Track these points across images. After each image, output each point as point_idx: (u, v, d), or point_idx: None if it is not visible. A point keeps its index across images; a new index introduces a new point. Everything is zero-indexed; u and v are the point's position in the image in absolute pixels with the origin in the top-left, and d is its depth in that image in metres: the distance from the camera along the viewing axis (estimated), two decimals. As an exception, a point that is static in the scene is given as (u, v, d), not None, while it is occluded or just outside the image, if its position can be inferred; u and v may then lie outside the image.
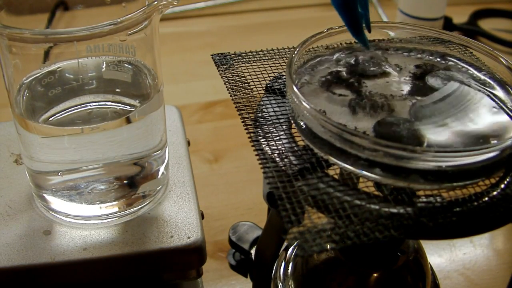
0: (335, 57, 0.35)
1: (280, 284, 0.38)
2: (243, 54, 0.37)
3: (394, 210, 0.26)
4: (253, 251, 0.43)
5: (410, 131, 0.29)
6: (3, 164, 0.42)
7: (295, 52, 0.32)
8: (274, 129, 0.31)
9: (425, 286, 0.35)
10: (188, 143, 0.45)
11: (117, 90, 0.37)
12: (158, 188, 0.39)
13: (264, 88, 0.34)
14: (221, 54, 0.37)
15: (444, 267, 0.51)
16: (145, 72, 0.38)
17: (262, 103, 0.33)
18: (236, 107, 0.32)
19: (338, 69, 0.34)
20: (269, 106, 0.32)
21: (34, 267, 0.34)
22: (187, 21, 0.92)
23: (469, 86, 0.33)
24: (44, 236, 0.36)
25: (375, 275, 0.34)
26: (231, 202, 0.57)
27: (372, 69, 0.34)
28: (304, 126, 0.29)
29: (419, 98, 0.31)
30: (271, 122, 0.31)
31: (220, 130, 0.67)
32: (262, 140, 0.30)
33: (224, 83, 0.34)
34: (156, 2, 0.33)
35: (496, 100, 0.32)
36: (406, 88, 0.32)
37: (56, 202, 0.37)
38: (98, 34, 0.32)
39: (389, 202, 0.26)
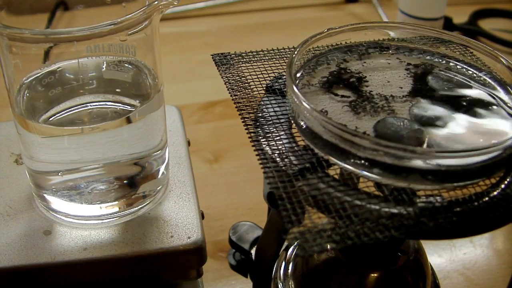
0: (334, 56, 0.35)
1: (280, 284, 0.38)
2: (243, 54, 0.37)
3: (394, 210, 0.26)
4: (253, 251, 0.43)
5: (410, 131, 0.29)
6: (3, 164, 0.42)
7: (295, 52, 0.32)
8: (274, 129, 0.31)
9: (426, 286, 0.35)
10: (188, 143, 0.45)
11: (117, 90, 0.37)
12: (158, 188, 0.39)
13: (264, 88, 0.34)
14: (221, 54, 0.37)
15: (444, 267, 0.51)
16: (145, 72, 0.38)
17: (262, 103, 0.33)
18: (236, 107, 0.32)
19: (339, 68, 0.34)
20: (270, 106, 0.32)
21: (34, 267, 0.34)
22: (187, 21, 0.92)
23: (470, 86, 0.33)
24: (44, 236, 0.36)
25: (375, 275, 0.34)
26: (231, 202, 0.57)
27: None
28: (304, 126, 0.29)
29: (419, 98, 0.31)
30: (271, 122, 0.31)
31: (220, 130, 0.67)
32: (263, 140, 0.30)
33: (224, 83, 0.34)
34: (156, 2, 0.33)
35: (496, 100, 0.32)
36: (407, 88, 0.32)
37: (56, 202, 0.37)
38: (98, 34, 0.32)
39: (390, 202, 0.26)
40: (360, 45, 0.36)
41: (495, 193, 0.27)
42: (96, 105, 0.37)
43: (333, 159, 0.28)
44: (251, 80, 0.35)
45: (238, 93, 0.33)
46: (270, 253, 0.35)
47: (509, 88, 0.32)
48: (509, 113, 0.31)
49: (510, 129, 0.30)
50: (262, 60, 0.36)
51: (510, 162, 0.28)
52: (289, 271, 0.37)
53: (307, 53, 0.34)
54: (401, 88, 0.32)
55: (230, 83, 0.34)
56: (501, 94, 0.32)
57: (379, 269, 0.34)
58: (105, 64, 0.37)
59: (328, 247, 0.24)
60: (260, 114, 0.32)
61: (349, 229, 0.25)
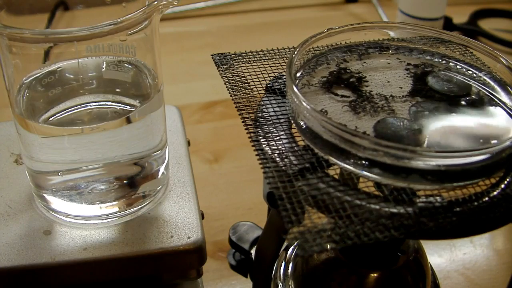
0: (334, 56, 0.35)
1: (280, 284, 0.38)
2: (243, 54, 0.37)
3: (394, 210, 0.26)
4: (253, 251, 0.43)
5: (410, 131, 0.29)
6: (3, 164, 0.42)
7: (295, 52, 0.32)
8: (274, 129, 0.31)
9: (425, 286, 0.35)
10: (188, 143, 0.45)
11: (117, 90, 0.37)
12: (158, 188, 0.39)
13: (264, 88, 0.34)
14: (221, 54, 0.37)
15: (444, 267, 0.51)
16: (145, 72, 0.38)
17: (262, 103, 0.33)
18: (236, 107, 0.32)
19: (339, 68, 0.34)
20: (269, 106, 0.32)
21: (34, 267, 0.34)
22: (187, 21, 0.92)
23: (469, 86, 0.33)
24: (44, 236, 0.36)
25: (375, 275, 0.34)
26: (231, 202, 0.57)
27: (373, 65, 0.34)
28: (304, 126, 0.29)
29: (419, 98, 0.31)
30: (271, 122, 0.31)
31: (220, 130, 0.67)
32: (262, 140, 0.30)
33: (224, 83, 0.34)
34: (156, 2, 0.33)
35: (496, 100, 0.32)
36: (407, 88, 0.32)
37: (56, 202, 0.37)
38: (98, 34, 0.32)
39: (389, 202, 0.26)
40: (360, 45, 0.36)
41: (495, 193, 0.27)
42: (96, 105, 0.37)
43: (333, 159, 0.28)
44: (251, 80, 0.35)
45: (238, 93, 0.33)
46: (270, 253, 0.35)
47: (509, 88, 0.32)
48: (508, 113, 0.31)
49: (510, 129, 0.30)
50: (262, 60, 0.36)
51: (510, 162, 0.28)
52: (289, 271, 0.37)
53: (307, 53, 0.34)
54: (401, 88, 0.32)
55: (230, 83, 0.34)
56: (501, 94, 0.32)
57: (379, 269, 0.34)
58: (105, 64, 0.37)
59: (328, 247, 0.24)
60: (260, 114, 0.32)
61: (349, 229, 0.25)
